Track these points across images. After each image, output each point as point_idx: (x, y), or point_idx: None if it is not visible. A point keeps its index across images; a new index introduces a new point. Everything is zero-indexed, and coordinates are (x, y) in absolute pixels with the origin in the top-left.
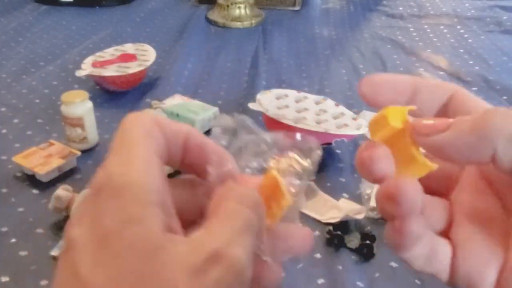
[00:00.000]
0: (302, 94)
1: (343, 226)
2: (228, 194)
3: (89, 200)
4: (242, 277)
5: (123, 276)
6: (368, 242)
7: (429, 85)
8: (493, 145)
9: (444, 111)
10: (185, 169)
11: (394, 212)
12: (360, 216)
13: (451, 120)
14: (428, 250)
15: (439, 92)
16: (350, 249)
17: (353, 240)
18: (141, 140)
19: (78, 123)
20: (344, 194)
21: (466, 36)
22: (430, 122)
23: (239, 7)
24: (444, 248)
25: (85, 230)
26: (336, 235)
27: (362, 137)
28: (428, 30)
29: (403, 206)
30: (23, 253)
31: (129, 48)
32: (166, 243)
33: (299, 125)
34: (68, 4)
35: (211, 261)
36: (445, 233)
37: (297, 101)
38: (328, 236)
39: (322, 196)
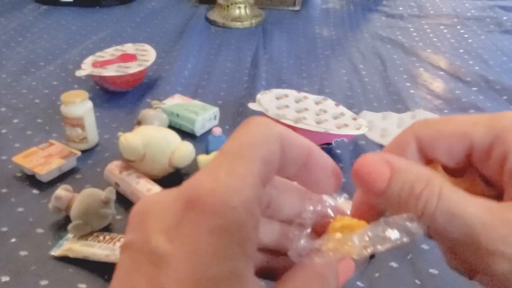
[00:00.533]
0: (302, 94)
1: None
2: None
3: (183, 211)
4: None
5: None
6: None
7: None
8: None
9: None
10: (297, 180)
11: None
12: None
13: (387, 176)
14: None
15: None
16: None
17: None
18: (255, 156)
19: (78, 123)
20: (344, 194)
21: (466, 36)
22: (369, 175)
23: (239, 7)
24: None
25: (179, 254)
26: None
27: (362, 137)
28: (428, 30)
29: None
30: (23, 253)
31: (129, 48)
32: None
33: (299, 125)
34: (68, 4)
35: None
36: None
37: (297, 101)
38: None
39: (322, 196)
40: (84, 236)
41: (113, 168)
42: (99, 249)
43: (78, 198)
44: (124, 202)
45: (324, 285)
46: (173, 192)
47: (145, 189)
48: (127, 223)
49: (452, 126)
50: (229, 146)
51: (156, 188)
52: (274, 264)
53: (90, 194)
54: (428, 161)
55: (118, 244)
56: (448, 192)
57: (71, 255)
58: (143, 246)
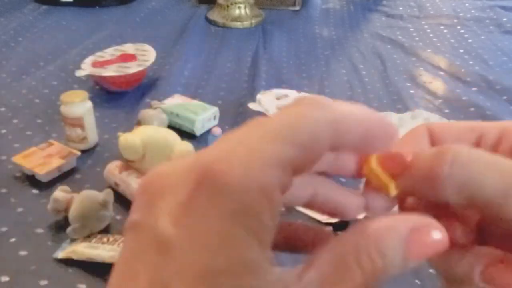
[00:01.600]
0: (302, 94)
1: (343, 226)
2: (356, 241)
3: (194, 187)
4: None
5: None
6: None
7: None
8: (443, 193)
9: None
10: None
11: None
12: (360, 216)
13: (409, 157)
14: None
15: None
16: None
17: None
18: (289, 141)
19: (78, 123)
20: None
21: (466, 36)
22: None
23: (239, 7)
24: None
25: (185, 239)
26: (336, 235)
27: None
28: (428, 30)
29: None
30: (23, 253)
31: (129, 48)
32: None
33: None
34: (68, 4)
35: None
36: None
37: None
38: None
39: None
40: (87, 238)
41: (113, 168)
42: (103, 251)
43: (76, 201)
44: (124, 202)
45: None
46: (186, 162)
47: None
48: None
49: (461, 122)
50: (266, 120)
51: None
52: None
53: (87, 197)
54: None
55: (122, 245)
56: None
57: (75, 257)
58: (148, 229)
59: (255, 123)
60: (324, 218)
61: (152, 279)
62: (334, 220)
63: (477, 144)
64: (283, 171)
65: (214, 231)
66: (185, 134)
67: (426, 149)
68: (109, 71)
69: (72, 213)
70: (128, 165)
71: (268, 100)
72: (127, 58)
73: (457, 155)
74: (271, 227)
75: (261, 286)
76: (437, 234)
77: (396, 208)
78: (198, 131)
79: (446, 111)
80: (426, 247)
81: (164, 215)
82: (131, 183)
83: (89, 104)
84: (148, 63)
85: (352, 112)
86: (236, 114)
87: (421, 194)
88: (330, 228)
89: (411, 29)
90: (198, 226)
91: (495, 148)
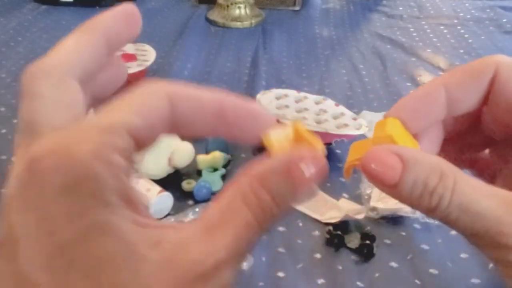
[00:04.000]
0: (302, 94)
1: (343, 226)
2: (241, 184)
3: (27, 177)
4: None
5: None
6: (368, 242)
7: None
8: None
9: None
10: (218, 135)
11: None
12: (360, 216)
13: (399, 170)
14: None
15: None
16: (350, 249)
17: (353, 240)
18: (118, 109)
19: None
20: (344, 194)
21: (466, 36)
22: (377, 172)
23: (239, 7)
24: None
25: (29, 227)
26: (336, 235)
27: (362, 137)
28: (428, 30)
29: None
30: None
31: (129, 48)
32: (142, 252)
33: None
34: (68, 4)
35: (201, 279)
36: None
37: (297, 101)
38: (328, 236)
39: (322, 196)
40: None
41: None
42: None
43: None
44: None
45: (252, 199)
46: (21, 158)
47: (145, 189)
48: None
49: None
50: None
51: (155, 188)
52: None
53: None
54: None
55: None
56: (462, 184)
57: None
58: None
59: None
60: (323, 218)
61: (6, 274)
62: (334, 220)
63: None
64: (116, 135)
65: (54, 207)
66: None
67: (419, 161)
68: None
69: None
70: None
71: (268, 100)
72: (127, 58)
73: (455, 185)
74: (116, 185)
75: (117, 248)
76: (310, 167)
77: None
78: None
79: None
80: (306, 177)
81: (9, 213)
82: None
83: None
84: (148, 63)
85: (198, 90)
86: None
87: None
88: (330, 228)
89: (411, 29)
90: (36, 208)
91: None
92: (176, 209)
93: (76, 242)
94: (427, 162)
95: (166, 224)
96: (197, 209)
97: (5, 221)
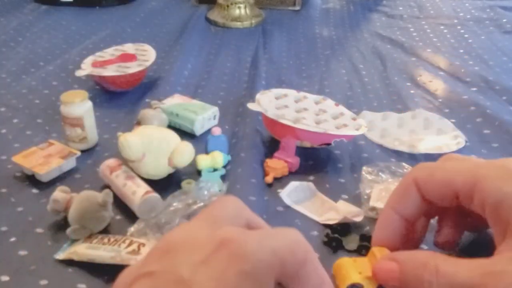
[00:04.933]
0: (302, 94)
1: (343, 227)
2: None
3: (214, 249)
4: None
5: None
6: (366, 243)
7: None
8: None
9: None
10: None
11: None
12: (358, 219)
13: (397, 272)
14: None
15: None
16: (349, 251)
17: (352, 242)
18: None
19: (77, 123)
20: (343, 195)
21: (466, 36)
22: (383, 269)
23: (239, 7)
24: None
25: (205, 282)
26: (334, 238)
27: (362, 137)
28: (428, 30)
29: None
30: (22, 252)
31: (129, 48)
32: None
33: (298, 126)
34: (68, 4)
35: None
36: None
37: (296, 101)
38: (326, 239)
39: (320, 197)
40: (88, 238)
41: (105, 169)
42: (104, 251)
43: (75, 202)
44: (123, 202)
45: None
46: (205, 230)
47: (130, 192)
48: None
49: (440, 173)
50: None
51: (141, 191)
52: None
53: (86, 198)
54: (427, 201)
55: (123, 246)
56: (444, 266)
57: (76, 258)
58: (167, 275)
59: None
60: (322, 219)
61: None
62: (332, 222)
63: (457, 199)
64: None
65: (231, 283)
66: (185, 134)
67: (409, 260)
68: (109, 71)
69: (71, 215)
70: (118, 165)
71: (267, 100)
72: (127, 58)
73: (436, 271)
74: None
75: None
76: None
77: None
78: (198, 131)
79: (446, 110)
80: None
81: (183, 265)
82: (119, 185)
83: (89, 104)
84: (148, 63)
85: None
86: (236, 114)
87: None
88: (328, 231)
89: (411, 29)
90: (217, 276)
91: (469, 199)
92: None
93: None
94: (413, 258)
95: None
96: (195, 207)
97: (179, 270)
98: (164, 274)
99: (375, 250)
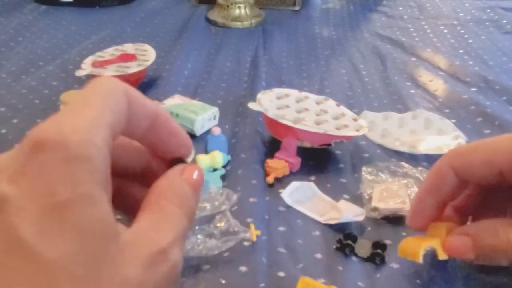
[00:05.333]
0: (304, 93)
1: (352, 233)
2: (167, 193)
3: (28, 154)
4: (178, 276)
5: (77, 254)
6: (379, 251)
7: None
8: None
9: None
10: (144, 143)
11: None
12: (359, 218)
13: (470, 241)
14: None
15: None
16: (361, 259)
17: (364, 249)
18: (102, 105)
19: None
20: (345, 195)
21: (466, 36)
22: (457, 248)
23: (239, 7)
24: None
25: (25, 190)
26: (347, 244)
27: (362, 137)
28: (428, 30)
29: None
30: None
31: (129, 48)
32: (117, 228)
33: (297, 126)
34: (68, 4)
35: (160, 258)
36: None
37: (298, 101)
38: (338, 245)
39: (321, 197)
40: None
41: None
42: None
43: None
44: None
45: (181, 202)
46: (16, 146)
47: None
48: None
49: (478, 155)
50: (73, 99)
51: None
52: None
53: None
54: (464, 182)
55: None
56: None
57: None
58: None
59: (66, 105)
60: (323, 219)
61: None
62: (333, 221)
63: (500, 175)
64: (106, 130)
65: (54, 173)
66: None
67: (480, 231)
68: (109, 71)
69: None
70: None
71: (268, 100)
72: (127, 58)
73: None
74: (103, 170)
75: (104, 217)
76: (195, 172)
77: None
78: (198, 131)
79: (446, 110)
80: (194, 175)
81: (1, 182)
82: None
83: None
84: (148, 63)
85: (141, 95)
86: (236, 114)
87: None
88: (341, 237)
89: (411, 29)
90: (38, 174)
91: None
92: None
93: (69, 206)
94: (484, 229)
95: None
96: None
97: None
98: None
99: (439, 225)
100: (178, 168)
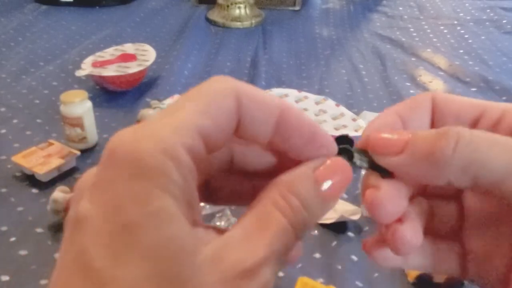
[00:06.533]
0: (303, 94)
1: (341, 226)
2: (281, 195)
3: (101, 167)
4: None
5: (147, 279)
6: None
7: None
8: (446, 174)
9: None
10: (274, 146)
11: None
12: (355, 217)
13: (408, 136)
14: (432, 261)
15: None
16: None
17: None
18: (193, 107)
19: (77, 123)
20: (344, 195)
21: (466, 36)
22: (386, 138)
23: (239, 7)
24: (450, 254)
25: (98, 208)
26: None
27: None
28: (428, 31)
29: (381, 217)
30: (23, 252)
31: (129, 48)
32: (197, 245)
33: None
34: (68, 4)
35: (245, 277)
36: (456, 234)
37: (297, 101)
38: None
39: None
40: None
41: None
42: None
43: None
44: None
45: (283, 206)
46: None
47: None
48: None
49: (467, 98)
50: (173, 102)
51: None
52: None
53: None
54: (433, 125)
55: None
56: (469, 135)
57: None
58: (70, 218)
59: (163, 109)
60: (322, 219)
61: (69, 251)
62: (329, 221)
63: (477, 120)
64: (186, 135)
65: (123, 192)
66: None
67: (424, 130)
68: (109, 71)
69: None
70: None
71: None
72: (127, 58)
73: (461, 135)
74: (181, 183)
75: (179, 235)
76: (337, 168)
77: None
78: None
79: None
80: (332, 180)
81: (83, 198)
82: None
83: (88, 104)
84: (148, 63)
85: (262, 93)
86: None
87: (421, 176)
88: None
89: (411, 29)
90: (107, 192)
91: (494, 126)
92: None
93: (140, 225)
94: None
95: (210, 225)
96: None
97: (78, 204)
98: (68, 219)
99: None
100: (313, 164)
